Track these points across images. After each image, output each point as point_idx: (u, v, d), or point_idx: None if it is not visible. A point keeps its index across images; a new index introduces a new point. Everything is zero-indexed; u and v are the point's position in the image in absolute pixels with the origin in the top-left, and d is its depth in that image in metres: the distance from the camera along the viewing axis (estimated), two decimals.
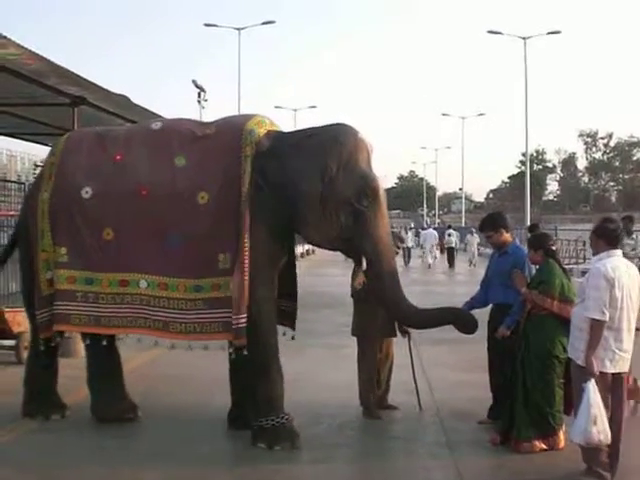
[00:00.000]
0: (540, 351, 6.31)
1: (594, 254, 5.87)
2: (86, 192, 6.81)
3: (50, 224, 6.88)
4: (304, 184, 6.38)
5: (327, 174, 6.41)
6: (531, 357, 6.34)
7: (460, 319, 6.73)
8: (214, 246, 6.43)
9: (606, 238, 5.73)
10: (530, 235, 6.92)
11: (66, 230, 6.84)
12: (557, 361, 6.30)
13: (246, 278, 6.27)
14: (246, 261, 6.28)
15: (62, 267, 6.81)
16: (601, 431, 5.41)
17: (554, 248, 6.79)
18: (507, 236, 7.13)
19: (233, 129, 6.72)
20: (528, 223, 32.16)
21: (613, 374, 5.62)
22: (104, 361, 7.16)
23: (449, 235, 34.07)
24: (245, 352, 6.30)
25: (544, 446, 6.31)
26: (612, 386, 5.64)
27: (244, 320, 6.26)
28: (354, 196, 6.48)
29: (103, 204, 6.75)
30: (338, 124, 6.70)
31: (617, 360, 5.60)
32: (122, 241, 6.68)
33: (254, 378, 6.48)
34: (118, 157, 6.86)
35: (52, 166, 7.09)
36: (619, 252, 5.75)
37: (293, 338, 7.07)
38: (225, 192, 6.45)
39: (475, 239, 32.49)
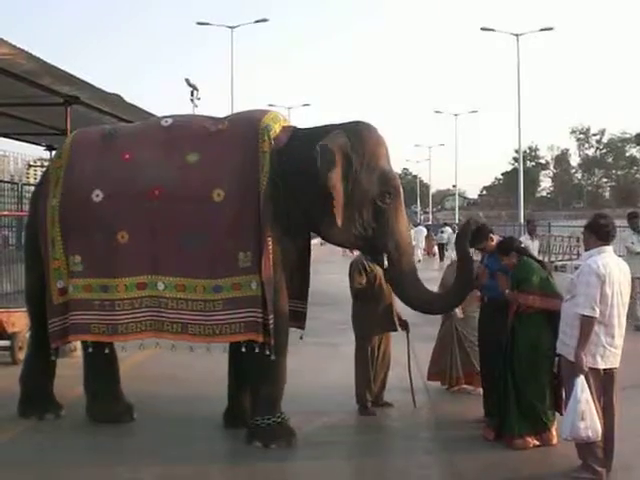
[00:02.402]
0: (529, 348, 6.34)
1: (586, 250, 5.88)
2: (96, 195, 6.61)
3: (61, 232, 6.68)
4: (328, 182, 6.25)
5: (351, 171, 6.37)
6: (520, 354, 6.37)
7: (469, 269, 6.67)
8: (233, 245, 6.30)
9: (598, 234, 5.75)
10: (497, 243, 6.93)
11: (79, 237, 6.64)
12: (546, 358, 6.32)
13: (272, 276, 6.25)
14: (271, 259, 6.24)
15: (78, 276, 6.61)
16: (589, 427, 5.45)
17: (523, 245, 6.84)
18: (495, 238, 7.20)
19: (249, 124, 6.58)
20: (522, 219, 32.05)
21: (604, 370, 5.65)
22: (101, 362, 6.99)
23: (441, 232, 34.24)
24: (258, 350, 6.24)
25: (537, 442, 6.33)
26: (604, 382, 5.66)
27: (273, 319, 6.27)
28: (377, 194, 6.48)
29: (115, 207, 6.55)
30: (358, 121, 6.64)
31: (608, 356, 5.63)
32: (137, 243, 6.49)
33: (258, 377, 6.45)
34: (127, 156, 6.67)
35: (59, 170, 6.87)
36: (610, 248, 5.76)
37: (301, 338, 7.05)
38: (243, 189, 6.33)
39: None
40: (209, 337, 6.41)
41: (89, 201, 6.62)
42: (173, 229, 6.43)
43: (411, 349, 7.83)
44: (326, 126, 6.68)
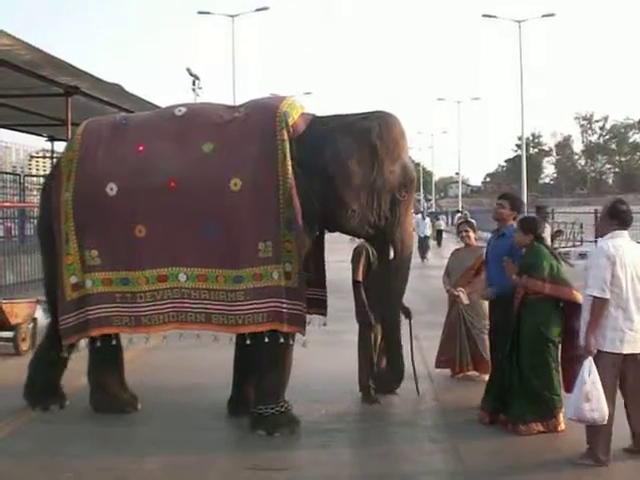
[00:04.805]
0: (535, 335, 6.33)
1: (600, 235, 5.85)
2: (111, 189, 6.53)
3: (75, 227, 6.61)
4: (354, 168, 6.29)
5: (376, 160, 6.36)
6: (527, 341, 6.36)
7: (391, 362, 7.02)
8: (252, 235, 6.26)
9: (614, 217, 5.74)
10: (521, 218, 6.90)
11: (95, 232, 6.58)
12: (552, 345, 6.34)
13: (301, 267, 6.30)
14: (302, 249, 6.30)
15: (95, 270, 6.57)
16: (595, 409, 5.44)
17: (544, 235, 6.83)
18: (511, 219, 7.07)
19: (266, 112, 6.50)
20: (525, 207, 32.00)
21: (628, 354, 5.61)
22: (106, 353, 6.95)
23: (437, 219, 34.84)
24: (274, 339, 6.25)
25: (542, 428, 6.33)
26: (628, 366, 5.63)
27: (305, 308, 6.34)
28: (397, 185, 6.49)
29: (131, 200, 6.47)
30: (381, 111, 6.62)
31: (629, 340, 5.58)
32: (156, 237, 6.43)
33: (266, 366, 6.45)
34: (141, 148, 6.58)
35: (71, 163, 6.76)
36: (625, 233, 5.74)
37: (325, 324, 7.04)
38: (261, 178, 6.28)
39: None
40: (233, 327, 6.39)
41: (104, 195, 6.55)
42: (191, 221, 6.38)
43: (415, 336, 7.82)
44: (344, 115, 6.66)
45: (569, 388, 6.39)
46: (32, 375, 7.26)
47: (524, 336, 6.37)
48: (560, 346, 6.48)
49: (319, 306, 7.01)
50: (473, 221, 10.12)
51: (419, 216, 30.49)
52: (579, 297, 6.33)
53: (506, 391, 6.48)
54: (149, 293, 6.49)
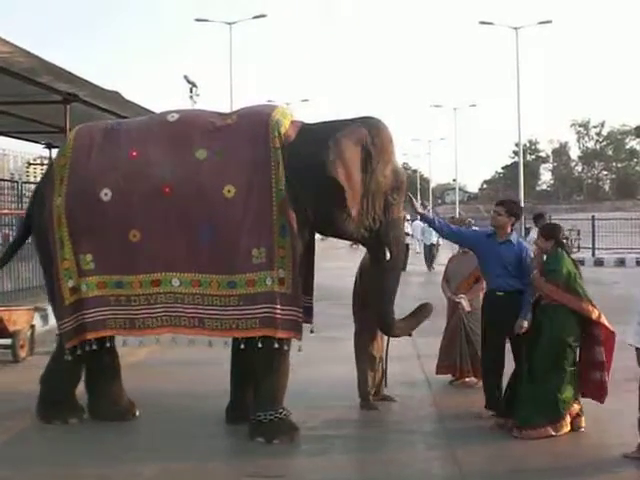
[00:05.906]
0: (553, 339, 6.41)
1: None
2: (105, 194, 6.53)
3: (69, 232, 6.62)
4: (349, 174, 6.32)
5: (370, 164, 6.43)
6: (543, 345, 6.43)
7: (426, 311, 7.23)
8: (246, 241, 6.29)
9: None
10: (543, 224, 6.97)
11: (89, 236, 6.58)
12: (570, 349, 6.43)
13: (296, 272, 6.34)
14: (297, 256, 6.34)
15: (90, 274, 6.59)
16: None
17: (564, 240, 6.90)
18: (509, 225, 7.04)
19: (259, 120, 6.53)
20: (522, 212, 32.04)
21: None
22: (103, 361, 6.97)
23: None
24: (268, 345, 6.27)
25: (551, 432, 6.37)
26: None
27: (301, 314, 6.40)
28: (389, 188, 6.59)
29: (125, 206, 6.49)
30: (370, 117, 6.68)
31: None
32: (150, 242, 6.45)
33: (262, 372, 6.45)
34: (134, 154, 6.59)
35: (63, 168, 6.75)
36: None
37: (312, 332, 7.02)
38: (254, 185, 6.32)
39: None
40: (226, 331, 6.42)
41: (98, 200, 6.55)
42: (185, 226, 6.40)
43: (414, 343, 7.82)
44: (335, 121, 6.69)
45: (585, 392, 6.60)
46: (46, 390, 7.04)
47: (542, 341, 6.43)
48: (578, 350, 6.57)
49: (306, 313, 6.92)
50: (476, 228, 10.09)
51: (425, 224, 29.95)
52: (588, 309, 6.43)
53: (514, 395, 6.57)
54: (143, 297, 6.51)
